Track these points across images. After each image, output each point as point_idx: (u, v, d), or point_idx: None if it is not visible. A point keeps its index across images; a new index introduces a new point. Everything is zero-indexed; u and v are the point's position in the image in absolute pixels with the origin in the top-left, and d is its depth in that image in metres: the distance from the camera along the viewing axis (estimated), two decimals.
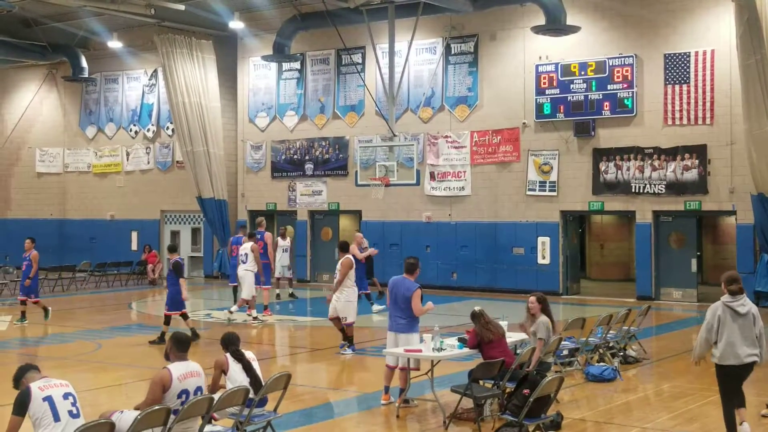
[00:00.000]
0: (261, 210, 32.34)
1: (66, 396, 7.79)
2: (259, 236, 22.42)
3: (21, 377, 8.09)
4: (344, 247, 17.38)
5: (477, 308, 12.01)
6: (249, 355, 9.93)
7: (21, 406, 7.64)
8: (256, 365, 9.87)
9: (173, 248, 18.98)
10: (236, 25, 30.28)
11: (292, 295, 26.15)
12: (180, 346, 8.79)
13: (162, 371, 8.55)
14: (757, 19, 21.94)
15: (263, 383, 9.60)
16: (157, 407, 8.08)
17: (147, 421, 7.96)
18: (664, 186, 25.13)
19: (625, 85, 25.48)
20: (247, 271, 20.95)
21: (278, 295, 25.93)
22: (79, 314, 24.28)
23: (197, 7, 29.46)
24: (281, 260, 25.91)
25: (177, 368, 8.59)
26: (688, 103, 24.76)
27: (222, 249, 32.35)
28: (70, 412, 7.70)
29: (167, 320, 18.04)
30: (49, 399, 7.66)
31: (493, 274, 27.73)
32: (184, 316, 18.29)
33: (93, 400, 11.76)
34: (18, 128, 38.06)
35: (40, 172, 38.24)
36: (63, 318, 22.66)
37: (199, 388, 8.60)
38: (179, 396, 8.41)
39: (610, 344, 15.26)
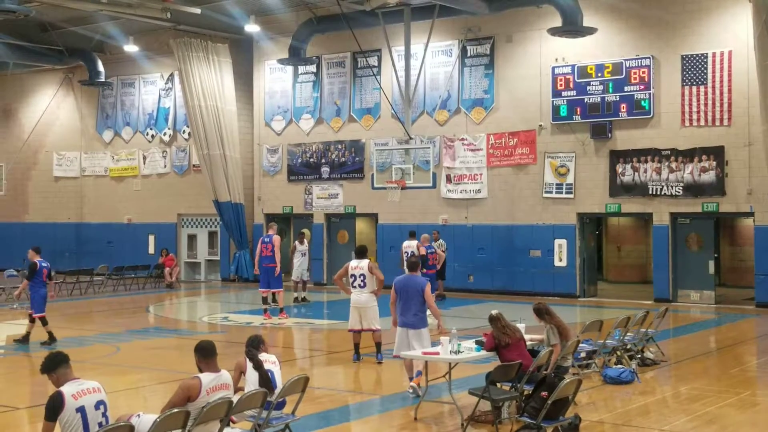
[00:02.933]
0: (277, 213, 32.41)
1: (98, 405, 7.70)
2: (267, 239, 22.39)
3: (54, 369, 7.86)
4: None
5: (494, 312, 11.99)
6: (270, 357, 9.94)
7: (53, 412, 7.53)
8: (276, 368, 9.87)
9: (37, 250, 18.99)
10: (252, 28, 30.34)
11: (303, 299, 26.10)
12: (204, 354, 8.65)
13: (192, 380, 8.43)
14: None
15: (275, 383, 9.59)
16: (176, 410, 8.07)
17: (166, 424, 7.96)
18: (681, 188, 25.04)
19: (642, 87, 25.41)
20: None
21: (296, 299, 25.98)
22: (97, 317, 24.38)
23: (213, 11, 29.56)
24: (301, 264, 25.90)
25: (208, 380, 8.48)
26: (706, 105, 24.66)
27: (239, 252, 32.44)
28: (99, 424, 7.62)
29: (42, 321, 18.31)
30: (82, 410, 7.57)
31: (509, 276, 27.68)
32: (42, 320, 18.42)
33: (111, 404, 11.76)
34: (35, 132, 38.23)
35: (58, 176, 38.41)
36: (81, 321, 22.76)
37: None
38: (204, 407, 8.33)
39: (628, 346, 15.20)
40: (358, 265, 15.80)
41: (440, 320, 13.59)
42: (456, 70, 28.63)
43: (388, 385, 14.10)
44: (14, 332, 20.67)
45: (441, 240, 26.81)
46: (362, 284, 15.67)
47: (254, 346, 9.84)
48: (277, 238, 22.42)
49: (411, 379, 12.96)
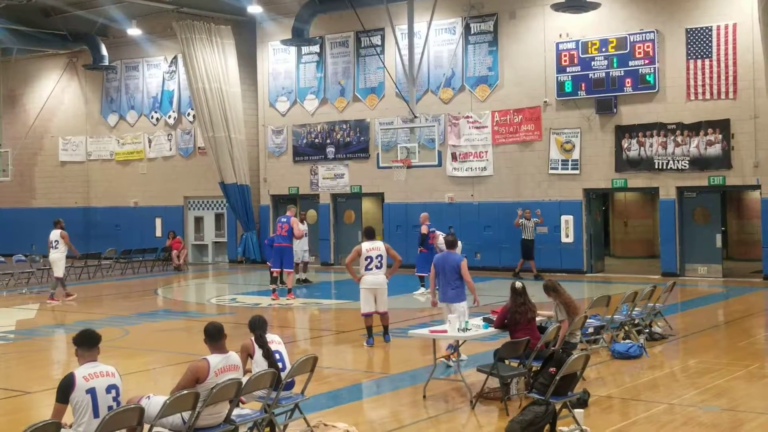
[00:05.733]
0: (283, 194, 32.44)
1: (109, 389, 7.69)
2: (285, 220, 22.57)
3: (77, 344, 7.88)
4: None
5: (519, 284, 11.92)
6: (275, 338, 9.94)
7: (64, 393, 7.54)
8: (282, 348, 9.88)
9: None
10: (255, 9, 30.28)
11: (305, 280, 26.06)
12: (212, 337, 8.68)
13: (200, 362, 8.47)
14: None
15: (284, 364, 9.62)
16: (185, 391, 8.11)
17: (175, 406, 8.00)
18: (687, 162, 24.99)
19: (647, 61, 25.33)
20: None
21: (298, 279, 25.92)
22: (106, 301, 24.46)
23: None
24: (303, 245, 25.83)
25: (216, 361, 8.52)
26: (711, 78, 24.58)
27: (246, 234, 32.49)
28: (110, 408, 7.61)
29: None
30: (92, 392, 7.57)
31: (517, 253, 27.63)
32: None
33: (122, 386, 11.86)
34: (40, 117, 38.28)
35: (64, 161, 38.48)
36: (90, 305, 22.84)
37: None
38: (213, 388, 8.35)
39: (636, 321, 15.22)
40: (373, 246, 15.48)
41: (476, 294, 13.71)
42: (460, 48, 28.55)
43: (397, 363, 14.15)
44: (24, 317, 20.79)
45: (534, 219, 26.15)
46: (379, 265, 15.39)
47: (263, 329, 9.77)
48: (294, 220, 22.56)
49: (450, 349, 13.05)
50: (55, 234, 23.11)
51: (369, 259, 15.40)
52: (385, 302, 15.49)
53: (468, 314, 13.14)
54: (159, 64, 35.48)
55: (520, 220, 25.93)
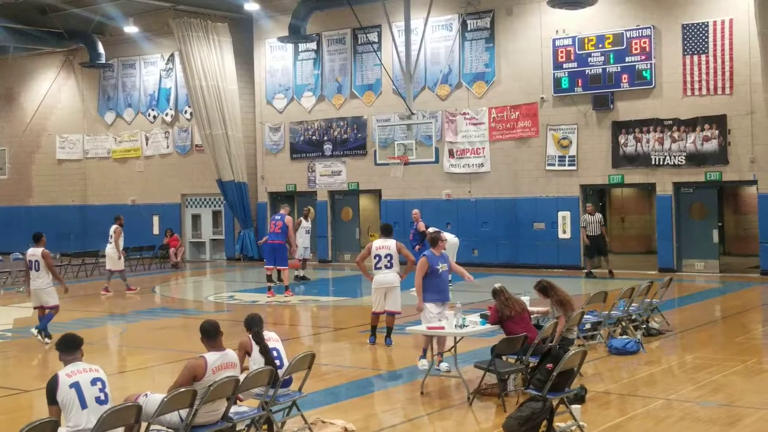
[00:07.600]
0: (281, 191, 32.44)
1: (94, 381, 7.72)
2: (279, 218, 22.51)
3: (59, 349, 8.01)
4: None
5: (497, 285, 12.04)
6: (272, 335, 9.95)
7: (51, 394, 7.60)
8: (279, 345, 9.89)
9: None
10: (251, 6, 30.26)
11: (303, 277, 26.02)
12: (208, 335, 8.69)
13: (197, 360, 8.49)
14: None
15: (282, 361, 9.63)
16: (183, 389, 8.12)
17: (173, 404, 8.02)
18: (684, 157, 25.01)
19: (643, 57, 25.33)
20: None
21: (296, 277, 25.87)
22: (104, 299, 24.44)
23: None
24: (304, 242, 25.81)
25: (213, 359, 8.54)
26: (707, 74, 24.59)
27: (243, 231, 32.49)
28: (97, 399, 7.65)
29: None
30: (76, 385, 7.62)
31: (514, 249, 27.72)
32: None
33: (119, 384, 11.87)
34: (37, 115, 38.24)
35: (61, 159, 38.45)
36: (88, 303, 22.84)
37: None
38: (210, 386, 8.36)
39: (633, 317, 15.23)
40: (384, 245, 15.15)
41: (419, 298, 13.20)
42: (456, 45, 28.54)
43: (395, 360, 14.17)
44: (21, 315, 20.78)
45: (598, 214, 25.66)
46: (389, 264, 15.06)
47: (259, 326, 9.77)
48: (289, 219, 22.51)
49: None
50: (112, 229, 24.53)
51: (377, 258, 15.14)
52: (396, 302, 15.19)
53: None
54: (156, 61, 35.45)
55: (585, 216, 25.47)
